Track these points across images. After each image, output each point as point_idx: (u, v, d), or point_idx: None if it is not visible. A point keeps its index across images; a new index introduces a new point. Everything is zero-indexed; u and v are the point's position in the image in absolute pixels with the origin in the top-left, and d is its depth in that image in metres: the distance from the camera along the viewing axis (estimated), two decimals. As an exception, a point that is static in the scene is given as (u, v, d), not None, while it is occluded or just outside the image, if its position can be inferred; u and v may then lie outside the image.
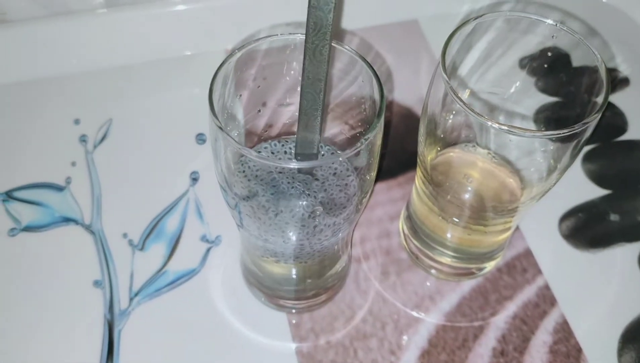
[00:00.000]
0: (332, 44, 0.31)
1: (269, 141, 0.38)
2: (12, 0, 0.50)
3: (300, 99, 0.32)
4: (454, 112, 0.34)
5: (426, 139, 0.36)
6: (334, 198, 0.34)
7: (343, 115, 0.36)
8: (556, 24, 0.33)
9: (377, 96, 0.31)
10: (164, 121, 0.50)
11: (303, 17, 0.44)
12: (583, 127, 0.30)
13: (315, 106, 0.33)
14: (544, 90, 0.40)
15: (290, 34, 0.32)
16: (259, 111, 0.36)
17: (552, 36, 0.34)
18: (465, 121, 0.35)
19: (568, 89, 0.38)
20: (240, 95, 0.34)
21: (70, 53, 0.52)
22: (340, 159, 0.30)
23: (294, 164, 0.28)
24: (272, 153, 0.37)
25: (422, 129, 0.37)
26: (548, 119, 0.41)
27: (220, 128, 0.28)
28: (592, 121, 0.30)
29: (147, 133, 0.50)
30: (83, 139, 0.49)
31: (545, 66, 0.38)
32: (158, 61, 0.54)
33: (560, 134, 0.30)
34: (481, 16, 0.33)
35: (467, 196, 0.38)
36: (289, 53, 0.33)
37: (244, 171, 0.34)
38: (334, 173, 0.35)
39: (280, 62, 0.34)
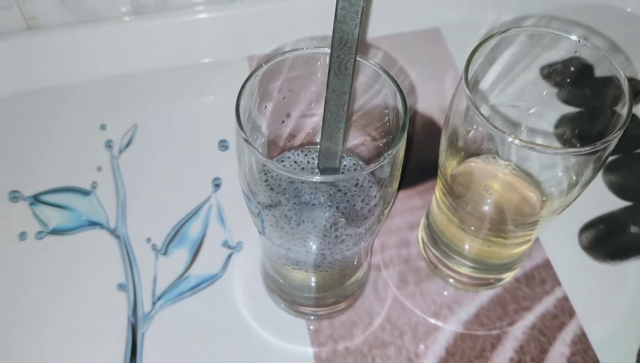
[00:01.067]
0: (357, 58, 0.31)
1: (292, 150, 0.38)
2: (41, 5, 0.51)
3: (325, 112, 0.33)
4: (475, 124, 0.34)
5: (447, 150, 0.37)
6: (356, 209, 0.34)
7: (366, 126, 0.37)
8: (579, 40, 0.33)
9: (400, 109, 0.31)
10: (187, 127, 0.51)
11: (324, 25, 0.44)
12: (605, 145, 0.30)
13: (339, 118, 0.33)
14: (566, 101, 0.41)
15: (315, 47, 0.32)
16: (283, 121, 0.37)
17: (575, 52, 0.34)
18: (486, 133, 0.35)
19: (590, 100, 0.38)
20: (266, 106, 0.35)
21: (98, 59, 0.53)
22: (364, 174, 0.30)
23: (318, 178, 0.28)
24: (295, 162, 0.38)
25: (443, 141, 0.37)
26: (569, 130, 0.41)
27: (247, 141, 0.29)
28: (614, 138, 0.30)
29: (171, 139, 0.50)
30: (109, 144, 0.50)
31: (568, 76, 0.38)
32: (183, 67, 0.55)
33: (582, 152, 0.30)
34: (505, 31, 0.34)
35: (487, 208, 0.38)
36: (314, 66, 0.34)
37: (267, 181, 0.35)
38: (356, 184, 0.35)
39: (306, 74, 0.34)
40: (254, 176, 0.34)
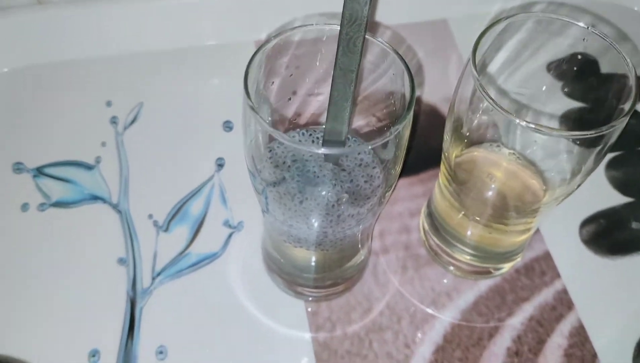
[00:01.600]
0: (366, 36, 0.31)
1: (297, 129, 0.38)
2: (53, -19, 0.51)
3: (331, 90, 0.33)
4: (480, 110, 0.34)
5: (452, 136, 0.37)
6: (359, 188, 0.34)
7: (371, 107, 0.37)
8: (587, 27, 0.33)
9: (407, 90, 0.31)
10: (192, 107, 0.51)
11: (332, 9, 0.44)
12: (609, 130, 0.30)
13: (345, 97, 0.33)
14: (571, 95, 0.41)
15: (325, 24, 0.33)
16: (289, 99, 0.37)
17: (583, 39, 0.34)
18: (491, 120, 0.35)
19: (595, 95, 0.38)
20: (273, 82, 0.35)
21: (106, 36, 0.53)
22: (369, 148, 0.30)
23: (323, 150, 0.28)
24: (300, 141, 0.38)
25: (448, 127, 0.37)
26: (574, 123, 0.41)
27: (253, 109, 0.29)
28: (619, 124, 0.30)
29: (176, 118, 0.51)
30: (114, 120, 0.50)
31: (573, 70, 0.38)
32: (190, 48, 0.55)
33: (586, 135, 0.30)
34: (512, 16, 0.34)
35: (489, 194, 0.38)
36: (322, 43, 0.34)
37: (271, 158, 0.35)
38: (360, 164, 0.35)
39: (314, 51, 0.34)
40: (259, 150, 0.34)
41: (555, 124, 0.41)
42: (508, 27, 0.34)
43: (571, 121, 0.41)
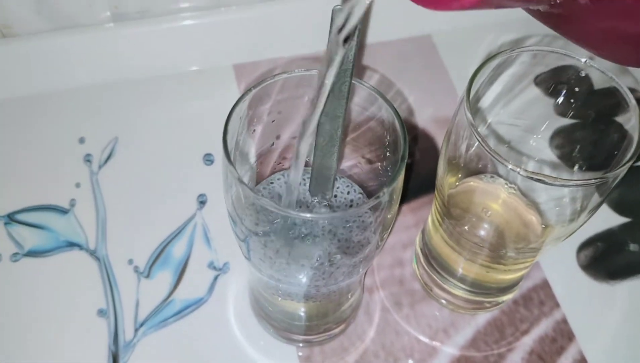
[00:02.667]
0: (353, 81, 0.30)
1: (283, 171, 0.36)
2: (17, 13, 0.48)
3: (317, 136, 0.31)
4: (475, 146, 0.33)
5: (446, 169, 0.35)
6: (352, 237, 0.32)
7: (360, 149, 0.35)
8: (585, 60, 0.32)
9: (399, 134, 0.29)
10: (170, 140, 0.49)
11: (312, 33, 0.42)
12: (614, 176, 0.29)
13: (332, 143, 0.31)
14: (563, 113, 0.39)
15: (306, 70, 0.30)
16: (273, 144, 0.35)
17: (580, 72, 0.32)
18: (487, 155, 0.33)
19: (589, 111, 0.36)
20: (254, 130, 0.33)
21: (76, 68, 0.51)
22: (363, 210, 0.28)
23: (311, 216, 0.26)
24: (286, 183, 0.36)
25: (442, 162, 0.35)
26: (573, 148, 0.39)
27: (240, 181, 0.27)
28: (623, 170, 0.29)
29: (154, 153, 0.48)
30: (88, 159, 0.47)
31: (570, 90, 0.37)
32: (165, 76, 0.52)
33: (589, 183, 0.28)
34: (505, 51, 0.32)
35: (485, 232, 0.37)
36: (305, 87, 0.32)
37: (254, 205, 0.33)
38: (351, 205, 0.33)
39: (297, 96, 0.32)
40: (240, 201, 0.32)
41: (553, 151, 0.39)
42: (502, 62, 0.32)
43: (572, 145, 0.39)
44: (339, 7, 0.28)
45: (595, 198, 0.32)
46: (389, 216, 0.32)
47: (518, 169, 0.28)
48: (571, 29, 0.28)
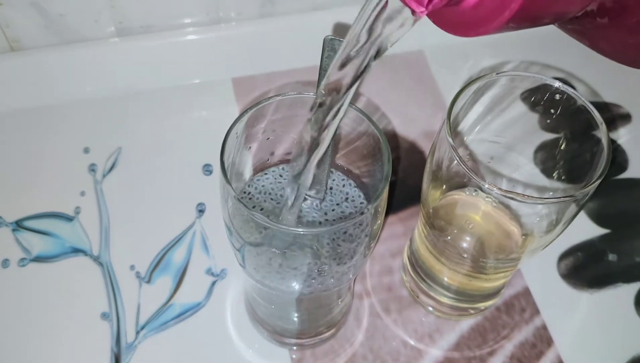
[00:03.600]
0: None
1: (278, 165, 0.38)
2: (26, 28, 0.50)
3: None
4: (455, 164, 0.35)
5: (430, 183, 0.37)
6: (340, 248, 0.34)
7: (350, 164, 0.37)
8: (558, 87, 0.34)
9: (384, 160, 0.32)
10: (171, 151, 0.51)
11: (308, 47, 0.44)
12: (585, 192, 0.31)
13: (323, 160, 0.33)
14: (546, 128, 0.41)
15: (299, 93, 0.33)
16: (268, 159, 0.37)
17: (556, 95, 0.34)
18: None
19: (570, 127, 0.38)
20: (250, 146, 0.35)
21: (81, 81, 0.53)
22: (348, 225, 0.31)
23: (302, 230, 0.29)
24: (280, 176, 0.38)
25: (426, 175, 0.38)
26: (552, 159, 0.41)
27: (238, 199, 0.29)
28: (593, 187, 0.31)
29: (155, 163, 0.50)
30: (92, 168, 0.50)
31: (548, 105, 0.39)
32: (167, 89, 0.55)
33: (561, 201, 0.31)
34: (484, 76, 0.34)
35: (467, 244, 0.39)
36: (298, 108, 0.34)
37: (247, 218, 0.35)
38: (347, 198, 0.35)
39: (291, 115, 0.34)
40: (235, 215, 0.34)
41: (535, 164, 0.41)
42: (481, 87, 0.34)
43: (551, 157, 0.41)
44: (330, 36, 0.30)
45: (571, 211, 0.34)
46: (374, 227, 0.34)
47: (493, 189, 0.30)
48: (595, 41, 0.31)
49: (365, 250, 0.35)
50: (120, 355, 0.42)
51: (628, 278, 0.47)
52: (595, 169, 0.32)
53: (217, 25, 0.54)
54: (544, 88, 0.35)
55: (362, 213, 0.29)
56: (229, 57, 0.55)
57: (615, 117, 0.55)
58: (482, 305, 0.44)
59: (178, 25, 0.53)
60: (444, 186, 0.38)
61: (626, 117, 0.56)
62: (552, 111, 0.36)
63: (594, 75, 0.57)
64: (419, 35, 0.58)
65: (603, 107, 0.55)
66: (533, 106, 0.38)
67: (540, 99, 0.37)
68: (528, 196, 0.30)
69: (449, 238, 0.39)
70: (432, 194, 0.38)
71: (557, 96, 0.34)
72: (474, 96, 0.35)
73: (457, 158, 0.32)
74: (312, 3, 0.55)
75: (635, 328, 0.45)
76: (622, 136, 0.54)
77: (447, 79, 0.57)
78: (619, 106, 0.56)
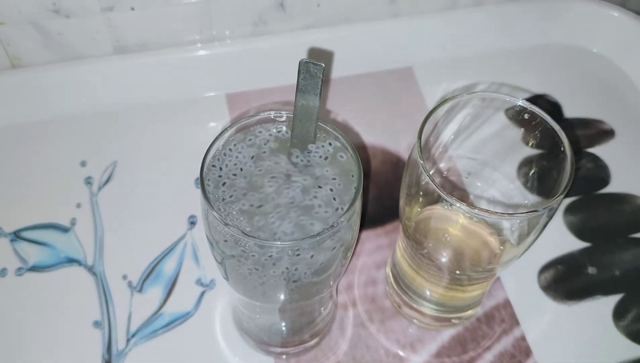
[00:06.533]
0: (319, 123, 0.33)
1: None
2: (26, 46, 0.52)
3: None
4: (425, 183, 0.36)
5: (406, 198, 0.39)
6: (317, 258, 0.36)
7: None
8: (526, 108, 0.36)
9: (355, 175, 0.33)
10: (165, 164, 0.53)
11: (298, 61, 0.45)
12: (548, 208, 0.32)
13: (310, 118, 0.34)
14: (520, 145, 0.42)
15: (277, 111, 0.34)
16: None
17: (522, 114, 0.36)
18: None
19: (541, 144, 0.40)
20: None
21: (79, 96, 0.55)
22: (319, 238, 0.32)
23: (279, 244, 0.30)
24: (270, 134, 0.37)
25: (403, 192, 0.39)
26: (528, 169, 0.43)
27: (210, 205, 0.31)
28: (556, 203, 0.32)
29: (149, 176, 0.52)
30: (89, 181, 0.51)
31: (522, 122, 0.40)
32: (162, 104, 0.57)
33: (526, 217, 0.32)
34: (455, 97, 0.36)
35: (445, 259, 0.40)
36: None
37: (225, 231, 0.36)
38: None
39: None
40: (214, 227, 0.35)
41: (513, 177, 0.43)
42: (453, 106, 0.36)
43: (527, 167, 0.43)
44: (305, 60, 0.32)
45: (542, 223, 0.35)
46: (349, 238, 0.35)
47: (463, 207, 0.32)
48: None
49: (341, 259, 0.36)
50: (111, 362, 0.43)
51: (607, 291, 0.48)
52: (559, 185, 0.33)
53: (211, 43, 0.56)
54: (515, 108, 0.36)
55: (332, 226, 0.31)
56: (222, 74, 0.57)
57: (598, 133, 0.57)
58: (463, 315, 0.46)
59: (173, 43, 0.55)
60: (421, 200, 0.39)
61: (609, 133, 0.57)
62: (527, 129, 0.37)
63: (580, 92, 0.58)
64: (408, 52, 0.60)
65: (587, 123, 0.57)
66: (510, 123, 0.40)
67: (514, 117, 0.38)
68: (493, 212, 0.32)
69: (425, 251, 0.40)
70: (409, 210, 0.40)
71: (527, 116, 0.36)
72: (447, 115, 0.37)
73: (427, 176, 0.33)
74: (303, 22, 0.57)
75: (613, 340, 0.46)
76: (605, 151, 0.56)
77: (434, 95, 0.59)
78: (602, 122, 0.57)
